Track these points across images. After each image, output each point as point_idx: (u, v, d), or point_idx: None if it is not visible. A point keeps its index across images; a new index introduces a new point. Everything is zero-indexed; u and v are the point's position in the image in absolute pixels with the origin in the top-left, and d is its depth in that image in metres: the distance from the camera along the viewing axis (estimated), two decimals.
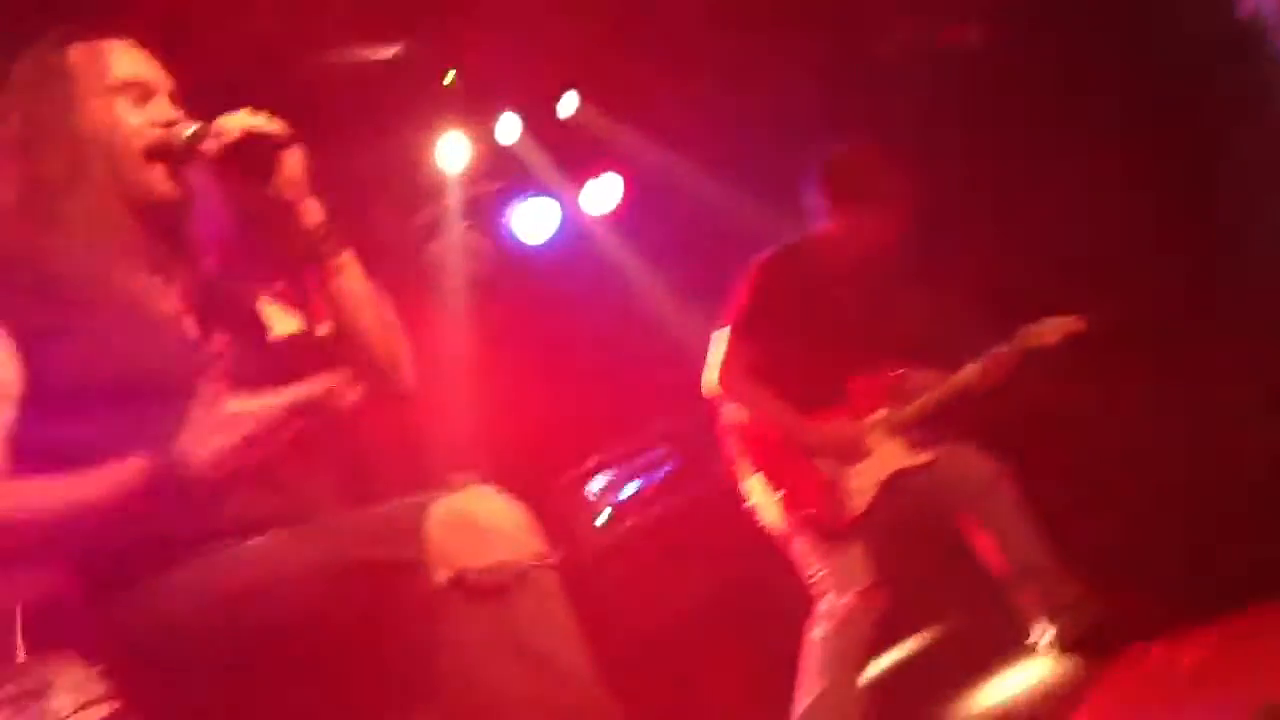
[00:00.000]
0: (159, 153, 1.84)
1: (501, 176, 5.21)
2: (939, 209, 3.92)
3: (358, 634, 1.65)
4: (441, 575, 1.57)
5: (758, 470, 3.66)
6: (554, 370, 5.34)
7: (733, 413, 3.73)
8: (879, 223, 3.70)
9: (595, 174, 5.39)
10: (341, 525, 1.73)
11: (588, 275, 5.49)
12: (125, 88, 1.87)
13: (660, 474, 5.37)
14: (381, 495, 1.83)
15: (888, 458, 3.66)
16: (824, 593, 3.55)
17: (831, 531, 3.55)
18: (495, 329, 5.32)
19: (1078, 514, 3.97)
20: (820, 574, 3.55)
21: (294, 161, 1.83)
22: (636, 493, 5.31)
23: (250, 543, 1.72)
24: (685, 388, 3.78)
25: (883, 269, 3.81)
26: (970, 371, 3.74)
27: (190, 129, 1.83)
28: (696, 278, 3.79)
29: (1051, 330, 3.76)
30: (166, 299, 1.86)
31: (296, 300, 1.98)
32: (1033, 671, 3.58)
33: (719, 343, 3.67)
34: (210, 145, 1.78)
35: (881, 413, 3.72)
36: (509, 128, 4.95)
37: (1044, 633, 3.59)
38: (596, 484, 5.32)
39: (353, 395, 1.79)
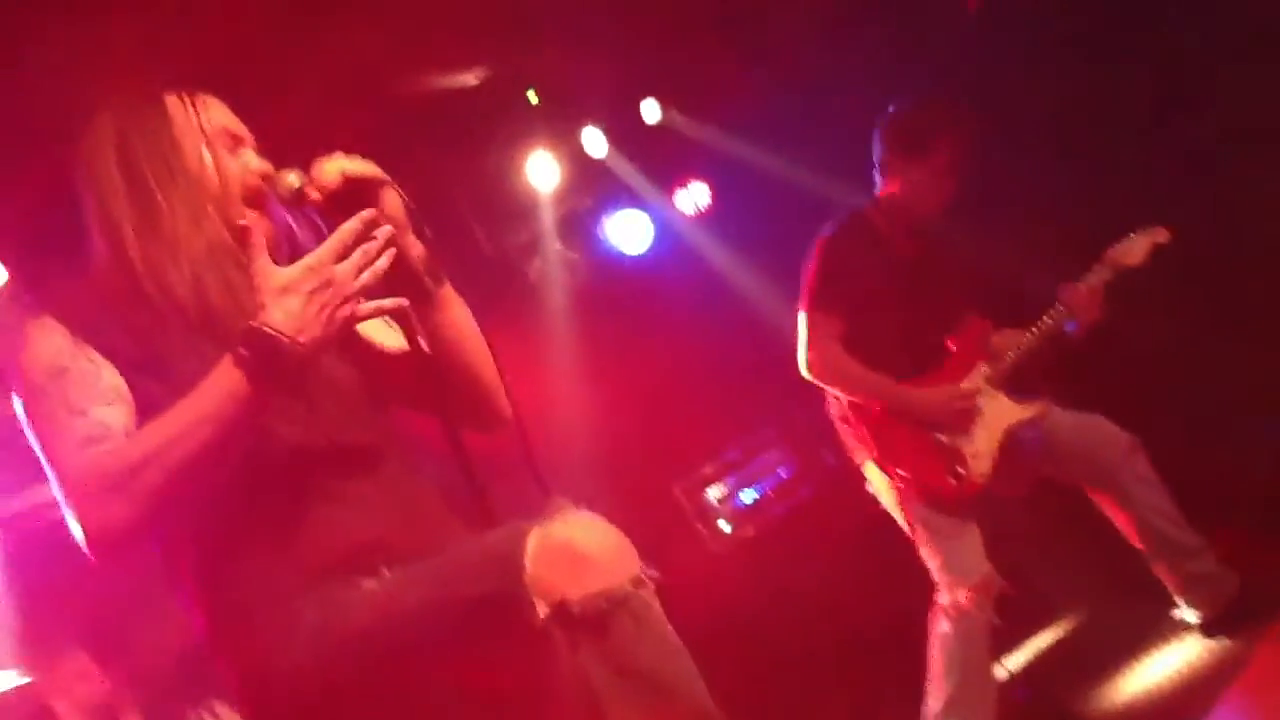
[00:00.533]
0: (253, 199, 1.91)
1: (592, 190, 5.22)
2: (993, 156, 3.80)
3: (470, 670, 1.67)
4: (543, 609, 1.59)
5: (872, 451, 3.58)
6: (662, 379, 5.34)
7: (837, 399, 3.67)
8: (938, 177, 3.59)
9: (685, 177, 5.37)
10: (447, 563, 1.74)
11: (688, 280, 5.47)
12: (219, 136, 1.94)
13: (778, 475, 5.35)
14: (497, 517, 1.85)
15: (1000, 414, 3.55)
16: (942, 585, 3.46)
17: (957, 503, 3.45)
18: (600, 342, 5.33)
19: (1195, 462, 3.77)
20: (937, 566, 3.47)
21: (392, 200, 1.87)
22: (757, 497, 5.29)
23: (365, 585, 1.75)
24: (795, 385, 3.73)
25: (948, 223, 3.69)
26: (1061, 309, 3.57)
27: (295, 177, 1.88)
28: (794, 270, 3.74)
29: (1138, 245, 3.56)
30: None
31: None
32: (1180, 651, 3.46)
33: (801, 325, 3.61)
34: (312, 191, 1.84)
35: (981, 369, 3.60)
36: (595, 141, 4.96)
37: (1188, 609, 3.45)
38: (715, 491, 5.31)
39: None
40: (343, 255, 1.73)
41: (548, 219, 5.09)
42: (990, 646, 3.48)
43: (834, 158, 4.71)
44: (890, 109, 3.72)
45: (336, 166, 1.84)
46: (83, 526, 1.69)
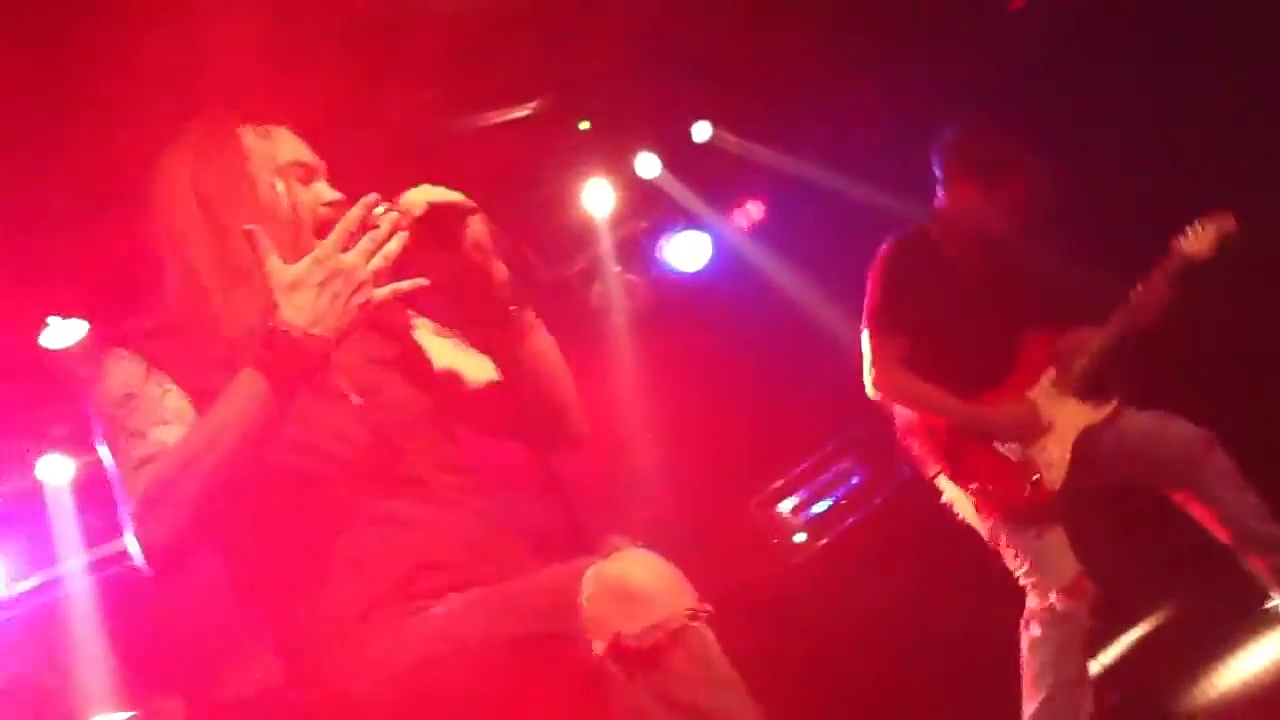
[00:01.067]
0: (326, 229, 1.91)
1: (648, 213, 5.26)
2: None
3: (528, 704, 1.70)
4: (599, 645, 1.60)
5: (943, 466, 3.57)
6: (728, 396, 5.36)
7: (904, 414, 3.66)
8: (1006, 206, 3.57)
9: (739, 195, 5.39)
10: (508, 598, 1.76)
11: (748, 295, 5.49)
12: (291, 168, 2.00)
13: (850, 484, 5.33)
14: (573, 539, 1.88)
15: (1070, 420, 3.51)
16: (1031, 589, 3.42)
17: (1035, 513, 3.42)
18: (665, 362, 5.36)
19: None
20: (1025, 571, 3.43)
21: (477, 226, 1.91)
22: (829, 507, 5.28)
23: (432, 611, 1.79)
24: (862, 394, 3.73)
25: (1010, 237, 3.65)
26: (1127, 309, 3.54)
27: (384, 208, 1.91)
28: (853, 280, 3.74)
29: (1205, 235, 3.49)
30: (337, 370, 1.95)
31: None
32: (1276, 642, 3.40)
33: (865, 346, 3.60)
34: (401, 221, 1.86)
35: (1049, 375, 3.57)
36: (648, 164, 5.01)
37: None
38: (788, 503, 5.31)
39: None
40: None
41: (605, 243, 5.14)
42: (1085, 648, 3.42)
43: (884, 168, 4.73)
44: (960, 125, 3.69)
45: (423, 195, 1.86)
46: (136, 542, 1.75)
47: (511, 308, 1.96)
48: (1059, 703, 3.36)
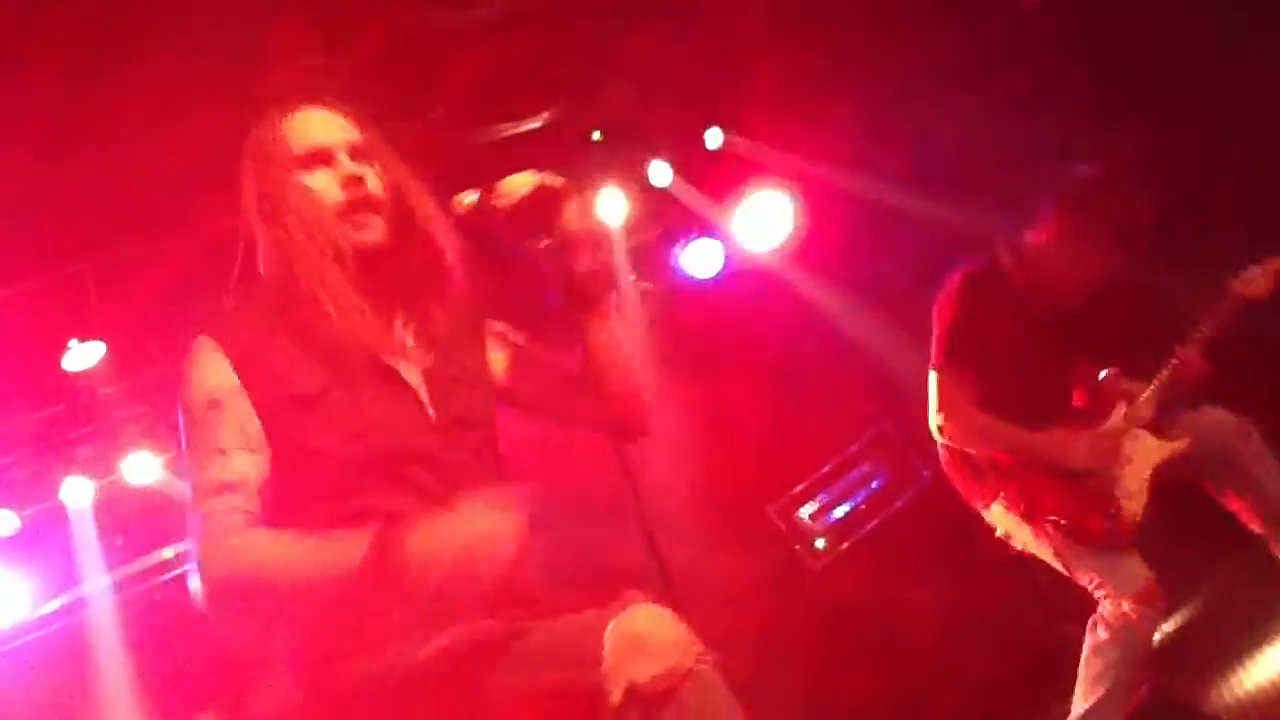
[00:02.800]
0: (347, 210, 2.01)
1: (662, 220, 5.26)
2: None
3: None
4: (617, 695, 1.69)
5: (1008, 500, 3.53)
6: (746, 401, 5.35)
7: (950, 448, 3.63)
8: (1102, 249, 3.55)
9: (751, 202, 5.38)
10: (534, 646, 1.82)
11: (762, 301, 5.48)
12: (307, 159, 2.04)
13: (870, 488, 5.32)
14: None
15: (1146, 454, 3.51)
16: (1103, 599, 3.40)
17: (1114, 543, 3.40)
18: (680, 371, 5.35)
19: None
20: (1095, 584, 3.41)
21: (575, 210, 1.98)
22: (850, 511, 5.27)
23: (448, 645, 1.82)
24: (879, 397, 3.72)
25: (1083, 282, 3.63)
26: (1190, 345, 3.54)
27: (470, 196, 1.99)
28: (865, 282, 3.73)
29: (1261, 275, 3.53)
30: (409, 369, 2.02)
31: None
32: None
33: (933, 385, 3.58)
34: (501, 204, 1.93)
35: (1120, 410, 3.56)
36: (660, 173, 5.01)
37: None
38: (809, 508, 5.29)
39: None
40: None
41: (620, 252, 5.14)
42: (1148, 655, 3.40)
43: (899, 171, 4.71)
44: (1081, 172, 3.67)
45: (528, 179, 1.95)
46: (202, 577, 1.81)
47: (596, 290, 2.03)
48: (1110, 705, 3.35)
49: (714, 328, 5.43)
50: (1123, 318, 3.88)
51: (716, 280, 5.42)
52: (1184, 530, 3.90)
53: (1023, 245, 3.68)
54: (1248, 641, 3.59)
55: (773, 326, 5.46)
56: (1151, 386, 3.56)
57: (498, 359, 2.19)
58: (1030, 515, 3.47)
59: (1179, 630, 4.15)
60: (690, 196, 5.14)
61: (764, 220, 5.17)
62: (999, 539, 3.61)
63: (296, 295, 1.96)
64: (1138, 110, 4.59)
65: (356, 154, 2.06)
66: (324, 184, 2.02)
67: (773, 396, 5.35)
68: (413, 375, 2.02)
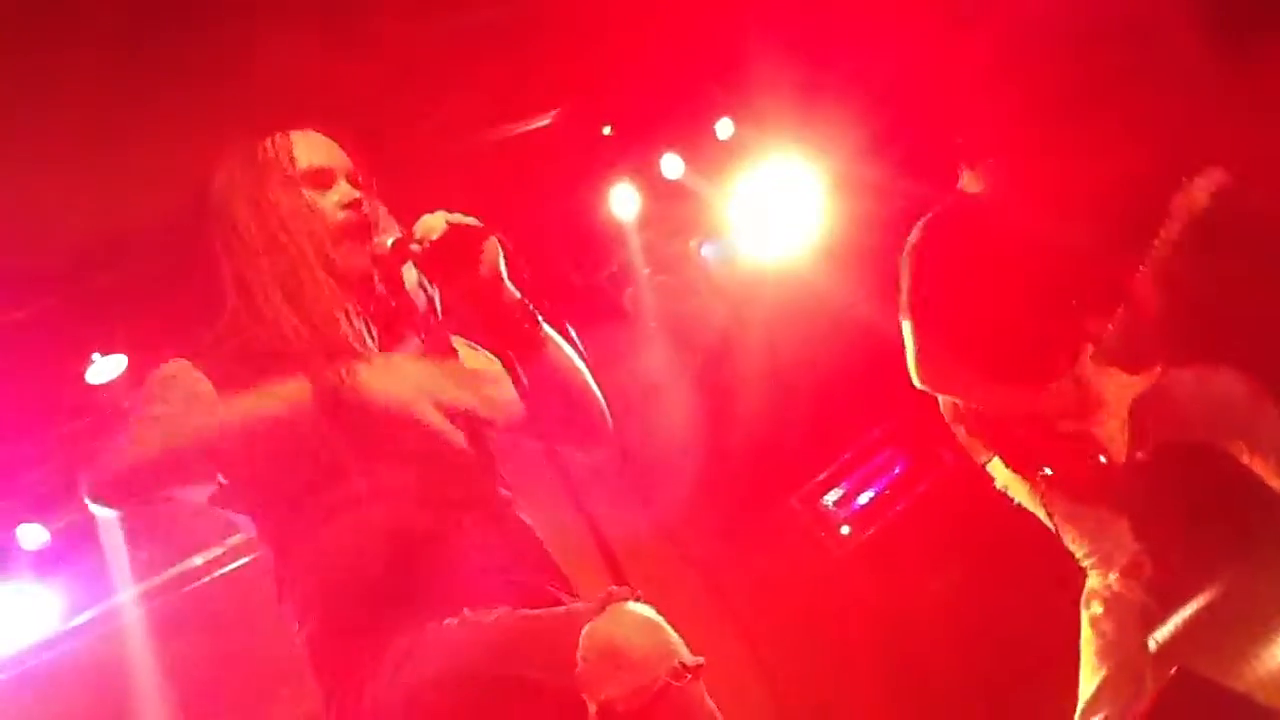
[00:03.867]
0: (344, 233, 2.02)
1: (677, 213, 5.26)
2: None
3: None
4: (592, 707, 1.66)
5: (994, 451, 3.53)
6: (766, 392, 5.35)
7: (950, 401, 3.63)
8: (1027, 176, 3.55)
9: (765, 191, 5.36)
10: (519, 633, 1.81)
11: (780, 289, 5.47)
12: (308, 177, 2.05)
13: (893, 473, 5.31)
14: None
15: (1120, 392, 3.47)
16: (1091, 569, 3.39)
17: (1102, 491, 3.38)
18: (702, 362, 5.36)
19: None
20: (1084, 552, 3.40)
21: (492, 250, 1.95)
22: (874, 497, 5.26)
23: (448, 625, 1.83)
24: (900, 382, 3.71)
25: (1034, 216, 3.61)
26: (1144, 272, 3.49)
27: (390, 239, 1.99)
28: (886, 268, 3.72)
29: (1201, 187, 3.44)
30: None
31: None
32: None
33: (906, 335, 3.58)
34: (416, 248, 1.93)
35: (1088, 351, 3.53)
36: (673, 166, 5.01)
37: None
38: (832, 495, 5.29)
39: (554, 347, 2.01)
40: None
41: (634, 246, 5.14)
42: (1145, 625, 3.41)
43: (911, 157, 4.70)
44: (983, 108, 3.66)
45: (441, 219, 1.92)
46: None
47: (525, 326, 2.01)
48: (1119, 681, 3.34)
49: (729, 321, 5.42)
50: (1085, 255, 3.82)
51: (733, 271, 5.43)
52: (1209, 505, 3.89)
53: (965, 190, 3.65)
54: (1276, 618, 3.56)
55: (792, 314, 5.46)
56: (1119, 320, 3.51)
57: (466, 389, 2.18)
58: (1022, 469, 3.45)
59: (1206, 608, 4.15)
60: (703, 188, 5.13)
61: (778, 209, 5.16)
62: (1014, 507, 3.59)
63: (269, 318, 1.96)
64: None
65: (352, 180, 2.08)
66: (326, 204, 2.04)
67: (793, 385, 5.35)
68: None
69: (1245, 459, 3.44)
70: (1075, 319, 3.60)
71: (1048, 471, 3.42)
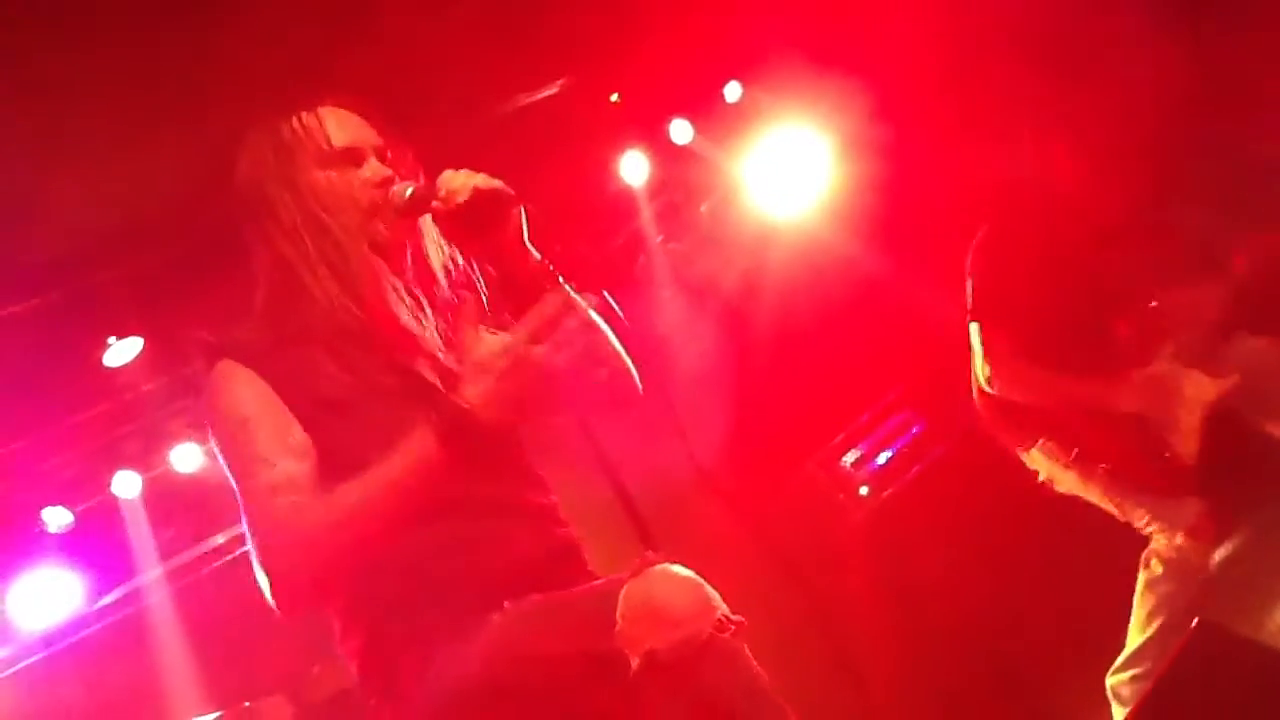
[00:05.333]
0: (380, 208, 1.99)
1: (687, 179, 5.24)
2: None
3: (573, 713, 1.75)
4: (634, 661, 1.66)
5: (1040, 444, 3.48)
6: (781, 356, 5.34)
7: (994, 397, 3.56)
8: (1088, 160, 3.48)
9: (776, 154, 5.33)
10: (551, 615, 1.82)
11: (792, 253, 5.45)
12: (340, 154, 2.03)
13: (911, 434, 5.31)
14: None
15: (1197, 392, 3.38)
16: (1155, 534, 3.36)
17: (1169, 488, 3.35)
18: (716, 327, 5.35)
19: None
20: (1144, 520, 3.36)
21: (516, 217, 1.94)
22: (891, 458, 5.26)
23: (488, 622, 1.83)
24: (916, 343, 3.70)
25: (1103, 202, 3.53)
26: (1238, 263, 3.43)
27: (408, 188, 1.96)
28: (901, 231, 3.70)
29: None
30: (427, 370, 2.00)
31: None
32: None
33: (974, 337, 3.52)
34: (441, 205, 1.90)
35: (1168, 348, 3.46)
36: (682, 131, 4.98)
37: None
38: (850, 456, 5.29)
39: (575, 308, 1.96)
40: (539, 338, 1.81)
41: (646, 214, 5.13)
42: (1203, 591, 3.36)
43: (920, 118, 4.65)
44: (1037, 84, 3.57)
45: (468, 181, 1.89)
46: (270, 579, 1.77)
47: (546, 286, 1.98)
48: (1159, 642, 3.33)
49: (743, 285, 5.41)
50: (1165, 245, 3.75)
51: (742, 237, 5.41)
52: (1240, 459, 3.86)
53: (1020, 179, 3.60)
54: None
55: (803, 278, 5.44)
56: (1200, 322, 3.44)
57: None
58: (1079, 462, 3.41)
59: (1232, 559, 4.12)
60: (713, 153, 5.11)
61: (790, 171, 5.13)
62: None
63: (318, 296, 1.94)
64: None
65: (381, 156, 2.06)
66: (359, 181, 2.01)
67: (809, 347, 5.35)
68: (431, 376, 2.00)
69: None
70: (1155, 314, 3.53)
71: (1109, 467, 3.37)
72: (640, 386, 2.13)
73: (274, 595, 1.78)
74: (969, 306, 3.53)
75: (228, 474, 1.90)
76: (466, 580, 1.88)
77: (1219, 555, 4.02)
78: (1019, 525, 4.39)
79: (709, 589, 1.74)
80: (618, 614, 1.69)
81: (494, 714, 1.77)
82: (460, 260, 2.08)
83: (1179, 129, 3.51)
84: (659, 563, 1.76)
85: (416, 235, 2.04)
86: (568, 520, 2.07)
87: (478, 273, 2.09)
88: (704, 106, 4.97)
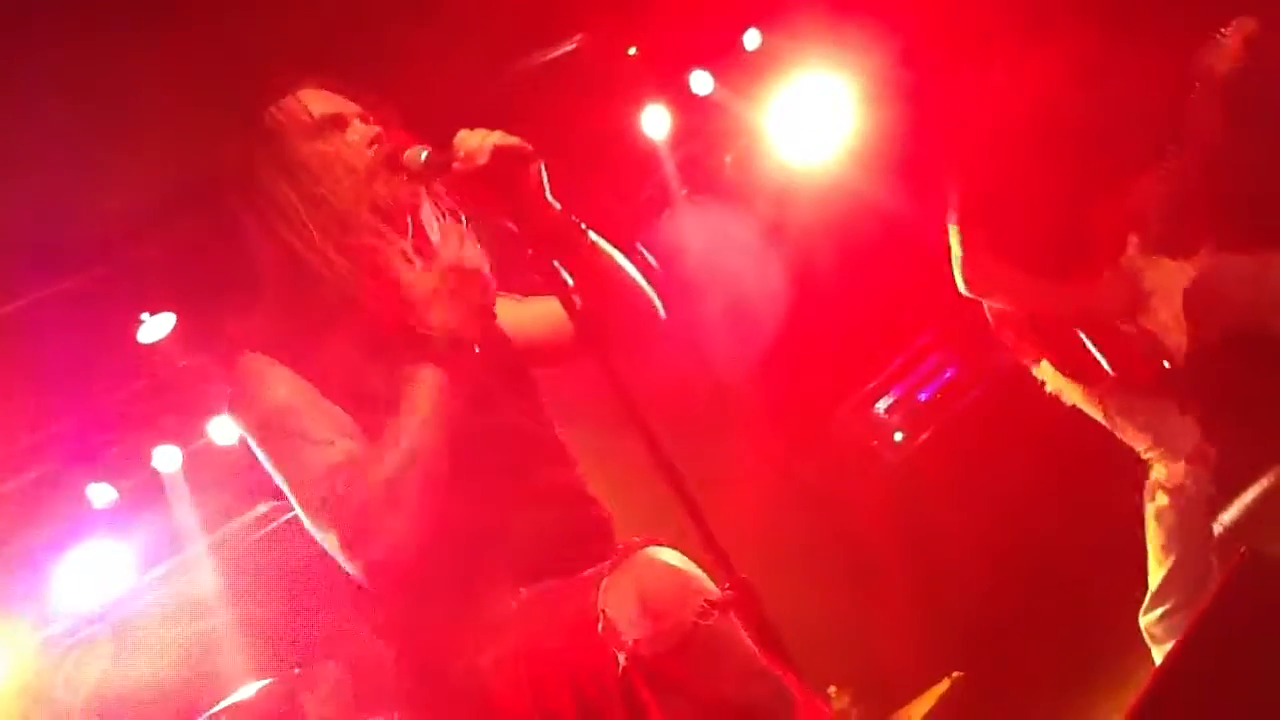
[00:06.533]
0: (376, 169, 1.99)
1: (709, 129, 5.21)
2: None
3: (568, 707, 1.75)
4: (622, 657, 1.65)
5: (1045, 353, 3.47)
6: (810, 305, 5.32)
7: (998, 306, 3.57)
8: (1040, 59, 3.43)
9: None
10: (547, 604, 1.82)
11: (817, 201, 5.42)
12: (326, 122, 2.03)
13: (944, 377, 5.29)
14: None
15: (1169, 281, 3.38)
16: (1154, 462, 3.35)
17: (1159, 384, 3.32)
18: (744, 277, 5.33)
19: None
20: (1145, 446, 3.35)
21: (536, 172, 1.94)
22: (925, 402, 5.25)
23: (511, 604, 1.85)
24: (946, 286, 3.67)
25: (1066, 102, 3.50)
26: (1182, 146, 3.37)
27: (423, 152, 1.95)
28: (920, 176, 3.67)
29: (1230, 43, 3.27)
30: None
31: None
32: None
33: (952, 239, 3.52)
34: (461, 166, 1.89)
35: (1134, 241, 3.44)
36: (702, 82, 4.94)
37: None
38: (884, 402, 5.29)
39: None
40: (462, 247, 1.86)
41: (670, 167, 5.10)
42: (1209, 513, 3.37)
43: (940, 60, 4.58)
44: None
45: (486, 140, 1.88)
46: (360, 555, 1.77)
47: (571, 237, 2.03)
48: (1187, 569, 3.33)
49: (771, 235, 5.38)
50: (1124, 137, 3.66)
51: (769, 183, 5.37)
52: (1269, 387, 3.83)
53: (993, 85, 3.56)
54: None
55: (829, 224, 5.40)
56: (1158, 207, 3.41)
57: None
58: (1079, 375, 3.38)
59: (1273, 489, 4.12)
60: (734, 102, 5.07)
61: (813, 118, 5.08)
62: (1068, 409, 3.54)
63: (328, 276, 1.94)
64: None
65: (364, 120, 2.05)
66: (350, 145, 2.01)
67: (837, 296, 5.32)
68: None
69: None
70: (1117, 208, 3.50)
71: (1099, 372, 3.36)
72: (662, 311, 2.15)
73: (372, 571, 1.77)
74: (948, 207, 3.50)
75: (272, 465, 1.89)
76: (491, 567, 1.88)
77: (1265, 483, 4.02)
78: (1053, 466, 4.38)
79: (691, 572, 1.72)
80: (600, 608, 1.68)
81: (508, 707, 1.78)
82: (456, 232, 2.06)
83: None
84: (641, 548, 1.75)
85: (418, 199, 2.03)
86: (595, 496, 2.06)
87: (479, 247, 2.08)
88: (723, 56, 4.92)
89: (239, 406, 1.94)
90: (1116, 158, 3.54)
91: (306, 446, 1.82)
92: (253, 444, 1.92)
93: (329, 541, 1.80)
